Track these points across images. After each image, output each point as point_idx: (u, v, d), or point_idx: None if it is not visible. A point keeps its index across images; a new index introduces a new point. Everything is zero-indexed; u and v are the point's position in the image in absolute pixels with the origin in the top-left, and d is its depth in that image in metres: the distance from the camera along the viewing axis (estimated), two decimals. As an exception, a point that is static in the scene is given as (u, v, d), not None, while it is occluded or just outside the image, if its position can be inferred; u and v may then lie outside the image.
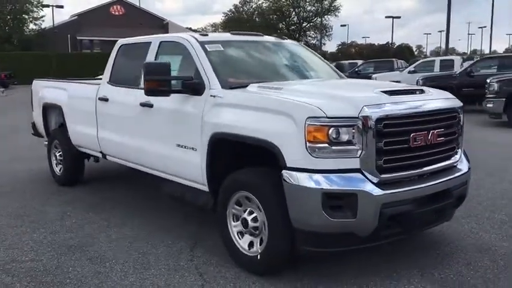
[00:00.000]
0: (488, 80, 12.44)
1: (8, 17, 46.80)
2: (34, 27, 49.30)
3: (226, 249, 4.01)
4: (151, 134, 4.76)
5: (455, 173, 3.88)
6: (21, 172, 7.54)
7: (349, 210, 3.26)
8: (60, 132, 6.72)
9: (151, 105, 4.66)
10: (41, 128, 7.24)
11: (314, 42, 63.45)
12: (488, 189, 6.05)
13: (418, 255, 4.09)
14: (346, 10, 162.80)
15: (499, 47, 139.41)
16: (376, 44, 76.32)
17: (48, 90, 6.94)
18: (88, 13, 53.17)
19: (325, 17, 62.38)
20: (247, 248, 3.82)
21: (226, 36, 5.07)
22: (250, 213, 3.76)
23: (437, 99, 3.87)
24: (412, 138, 3.47)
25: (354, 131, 3.27)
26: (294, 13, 67.86)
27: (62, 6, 54.19)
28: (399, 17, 61.06)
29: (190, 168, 4.25)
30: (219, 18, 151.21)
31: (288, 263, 3.74)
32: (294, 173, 3.33)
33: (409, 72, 21.02)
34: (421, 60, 24.71)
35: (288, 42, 5.58)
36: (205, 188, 4.20)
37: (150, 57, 4.89)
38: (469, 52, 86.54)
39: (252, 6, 73.61)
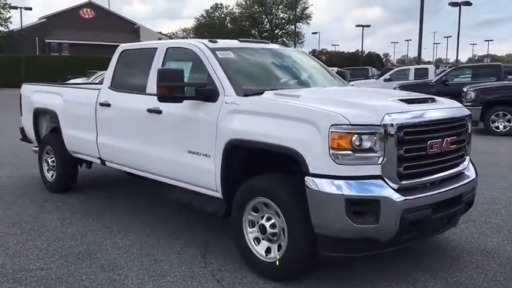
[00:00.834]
0: (465, 89, 12.85)
1: (-25, 18, 45.64)
2: (1, 28, 48.16)
3: (241, 256, 4.02)
4: (159, 140, 4.72)
5: (464, 179, 4.01)
6: (4, 178, 7.33)
7: (372, 216, 3.33)
8: (53, 138, 6.57)
9: (159, 112, 4.63)
10: (30, 133, 7.05)
11: (286, 48, 63.87)
12: (480, 195, 6.24)
13: (427, 259, 4.20)
14: (316, 18, 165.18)
15: (463, 56, 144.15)
16: (345, 51, 77.39)
17: (40, 94, 6.76)
18: (57, 15, 52.27)
19: (297, 24, 63.06)
20: (264, 254, 3.84)
21: (235, 43, 5.10)
22: (268, 219, 3.79)
23: (450, 108, 4.00)
24: (429, 145, 3.58)
25: (375, 138, 3.35)
26: (266, 20, 68.53)
27: (30, 8, 53.04)
28: (369, 26, 61.97)
29: (203, 174, 4.24)
30: (189, 23, 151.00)
31: (307, 268, 3.78)
32: (317, 179, 3.38)
33: (385, 80, 21.53)
34: (396, 69, 25.30)
35: (293, 49, 5.64)
36: (218, 195, 4.20)
37: (157, 63, 4.85)
38: (434, 61, 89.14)
39: (223, 12, 73.94)
